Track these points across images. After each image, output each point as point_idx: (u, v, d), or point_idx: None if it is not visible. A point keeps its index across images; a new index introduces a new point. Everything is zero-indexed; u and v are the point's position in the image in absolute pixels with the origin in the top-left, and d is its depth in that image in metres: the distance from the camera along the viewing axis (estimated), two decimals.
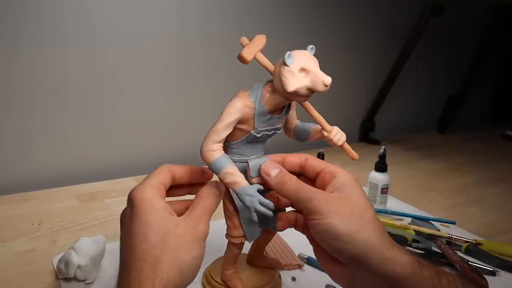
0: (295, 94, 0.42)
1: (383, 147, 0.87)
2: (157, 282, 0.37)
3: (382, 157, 0.86)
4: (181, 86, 1.09)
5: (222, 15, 1.09)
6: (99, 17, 0.95)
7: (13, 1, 0.85)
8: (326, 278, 0.49)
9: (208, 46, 1.09)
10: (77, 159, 1.00)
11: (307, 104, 0.47)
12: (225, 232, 0.50)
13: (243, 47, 0.44)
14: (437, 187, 1.05)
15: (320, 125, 0.48)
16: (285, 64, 0.41)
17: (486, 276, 0.62)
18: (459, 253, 0.69)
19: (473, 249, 0.71)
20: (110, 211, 0.82)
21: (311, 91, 0.42)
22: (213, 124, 0.44)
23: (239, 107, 0.43)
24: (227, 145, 0.47)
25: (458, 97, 1.58)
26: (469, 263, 0.65)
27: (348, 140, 0.49)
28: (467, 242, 0.73)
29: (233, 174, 0.44)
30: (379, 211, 0.83)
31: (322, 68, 0.42)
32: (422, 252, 0.69)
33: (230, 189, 0.46)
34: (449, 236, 0.74)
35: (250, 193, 0.43)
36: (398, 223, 0.78)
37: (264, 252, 0.58)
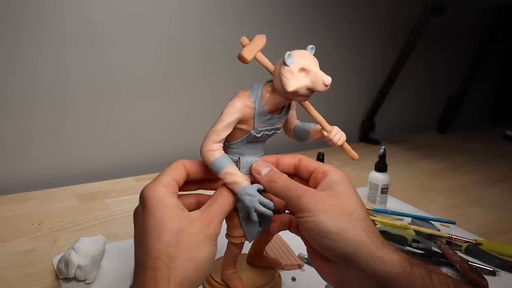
0: (295, 94, 0.42)
1: (383, 147, 0.87)
2: (172, 280, 0.38)
3: (382, 157, 0.86)
4: (181, 86, 1.09)
5: (222, 15, 1.09)
6: (99, 17, 0.95)
7: (13, 1, 0.85)
8: None
9: (208, 46, 1.09)
10: (77, 159, 1.00)
11: (307, 104, 0.47)
12: (225, 232, 0.50)
13: (243, 47, 0.44)
14: (437, 187, 1.05)
15: (320, 125, 0.48)
16: (285, 64, 0.41)
17: (486, 276, 0.62)
18: (459, 253, 0.69)
19: (473, 249, 0.71)
20: (110, 211, 0.82)
21: (311, 91, 0.42)
22: (213, 124, 0.44)
23: (239, 107, 0.43)
24: (227, 145, 0.47)
25: (458, 97, 1.58)
26: (469, 263, 0.65)
27: (348, 140, 0.49)
28: (467, 242, 0.73)
29: (233, 174, 0.44)
30: (379, 211, 0.83)
31: (322, 68, 0.42)
32: (422, 252, 0.69)
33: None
34: (449, 236, 0.74)
35: (250, 192, 0.43)
36: (398, 223, 0.78)
37: (264, 252, 0.58)
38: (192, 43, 1.07)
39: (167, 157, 0.93)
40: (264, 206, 0.43)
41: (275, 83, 0.43)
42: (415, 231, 0.75)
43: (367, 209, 0.80)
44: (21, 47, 0.88)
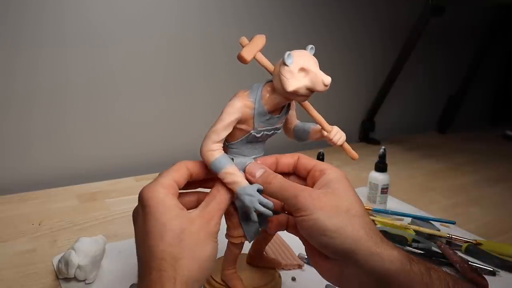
0: (295, 93, 0.42)
1: (383, 147, 0.87)
2: (178, 280, 0.38)
3: (382, 157, 0.86)
4: (181, 86, 1.09)
5: (222, 15, 1.09)
6: (99, 17, 0.95)
7: (13, 1, 0.85)
8: None
9: (208, 46, 1.09)
10: (77, 159, 1.00)
11: (307, 104, 0.47)
12: (225, 232, 0.50)
13: (243, 47, 0.44)
14: (437, 187, 1.05)
15: (320, 125, 0.48)
16: (284, 64, 0.41)
17: (486, 276, 0.62)
18: (459, 253, 0.69)
19: (473, 249, 0.71)
20: (110, 211, 0.82)
21: (311, 90, 0.42)
22: (213, 124, 0.44)
23: (239, 107, 0.43)
24: (227, 145, 0.47)
25: (458, 97, 1.58)
26: (469, 263, 0.65)
27: (348, 140, 0.49)
28: (467, 242, 0.73)
29: (233, 174, 0.44)
30: (379, 211, 0.83)
31: (322, 68, 0.42)
32: (422, 252, 0.69)
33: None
34: (449, 236, 0.74)
35: (250, 192, 0.43)
36: (398, 223, 0.78)
37: (264, 252, 0.58)
38: (192, 43, 1.07)
39: (167, 157, 0.94)
40: (264, 206, 0.43)
41: (274, 83, 0.43)
42: (415, 231, 0.75)
43: (367, 209, 0.81)
44: (21, 47, 0.88)
